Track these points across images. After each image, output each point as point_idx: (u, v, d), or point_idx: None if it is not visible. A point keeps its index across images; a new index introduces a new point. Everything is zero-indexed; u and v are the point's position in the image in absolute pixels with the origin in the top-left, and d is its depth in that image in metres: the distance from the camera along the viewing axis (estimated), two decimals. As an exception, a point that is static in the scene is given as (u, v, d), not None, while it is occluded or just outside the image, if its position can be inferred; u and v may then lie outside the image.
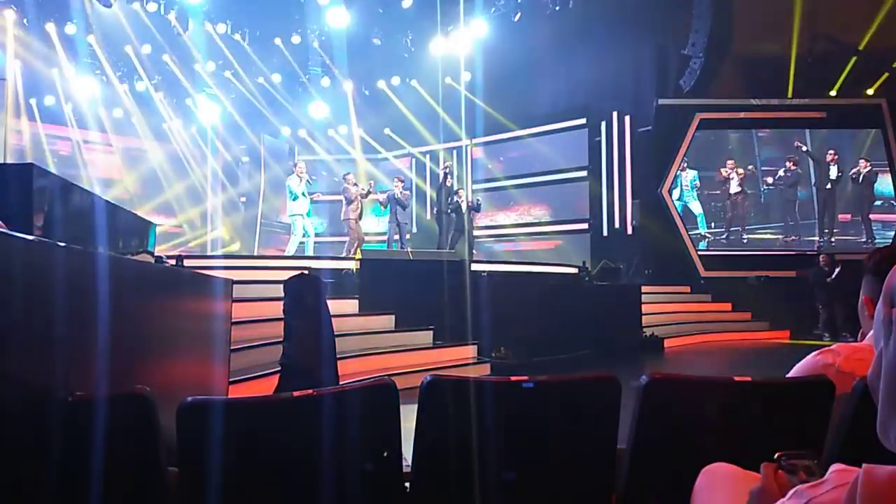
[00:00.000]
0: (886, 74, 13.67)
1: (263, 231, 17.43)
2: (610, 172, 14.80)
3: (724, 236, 14.17)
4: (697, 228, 14.16)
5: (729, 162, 14.11)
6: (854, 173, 13.72)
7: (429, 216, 16.52)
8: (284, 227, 16.63)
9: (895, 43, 13.26)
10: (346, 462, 1.77)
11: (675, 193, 14.12)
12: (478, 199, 13.34)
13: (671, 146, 14.02)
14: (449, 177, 12.77)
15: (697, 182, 14.19)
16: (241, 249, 16.81)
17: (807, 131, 14.05)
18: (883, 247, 2.01)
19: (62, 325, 2.15)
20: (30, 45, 13.92)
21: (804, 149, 13.88)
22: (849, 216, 13.94)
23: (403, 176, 14.12)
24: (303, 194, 11.39)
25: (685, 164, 14.11)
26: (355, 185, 11.84)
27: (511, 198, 16.71)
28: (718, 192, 14.20)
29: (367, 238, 12.83)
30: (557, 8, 14.50)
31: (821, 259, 12.36)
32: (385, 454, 1.74)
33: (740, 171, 14.05)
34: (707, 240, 14.16)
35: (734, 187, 14.05)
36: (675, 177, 14.13)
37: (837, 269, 11.74)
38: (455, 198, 12.39)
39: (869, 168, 13.68)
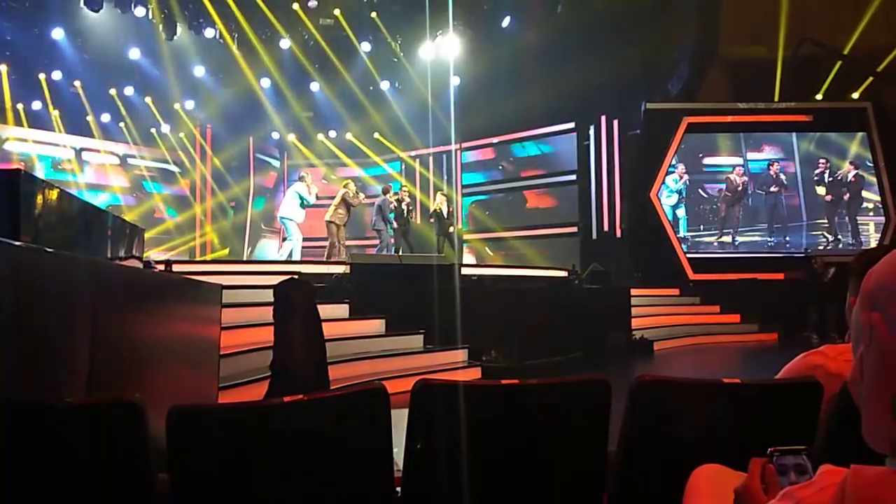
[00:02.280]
0: (872, 78, 13.81)
1: (253, 236, 17.41)
2: (599, 176, 14.87)
3: (717, 239, 14.23)
4: (679, 232, 14.23)
5: (738, 168, 14.23)
6: (840, 176, 13.86)
7: (418, 220, 16.56)
8: (274, 231, 16.62)
9: (880, 46, 13.39)
10: (337, 467, 1.76)
11: (673, 199, 14.18)
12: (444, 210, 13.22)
13: (659, 150, 14.09)
14: (402, 203, 12.84)
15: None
16: (230, 254, 16.75)
17: (794, 135, 14.18)
18: (869, 249, 2.03)
19: (50, 332, 2.14)
20: (17, 48, 13.83)
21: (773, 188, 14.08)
22: (835, 219, 14.07)
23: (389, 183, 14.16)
24: (302, 205, 11.47)
25: (684, 169, 14.19)
26: (356, 194, 11.93)
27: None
28: (719, 195, 14.32)
29: (355, 244, 12.89)
30: (545, 13, 14.58)
31: (815, 261, 12.31)
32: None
33: (745, 177, 14.18)
34: (687, 243, 14.21)
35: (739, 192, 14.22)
36: (667, 180, 14.21)
37: (832, 270, 11.75)
38: (403, 206, 12.55)
39: (854, 172, 13.83)
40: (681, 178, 14.17)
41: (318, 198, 11.84)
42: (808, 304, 12.08)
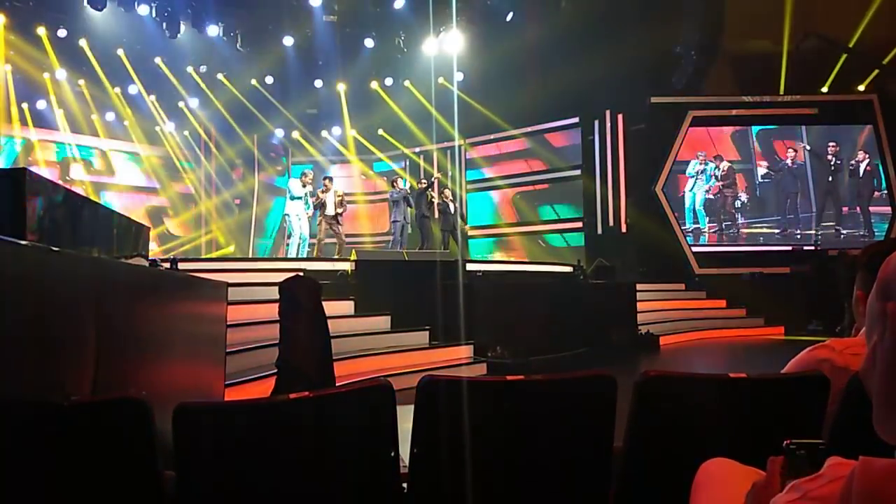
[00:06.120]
0: (877, 70, 13.73)
1: (258, 233, 17.46)
2: (604, 170, 14.84)
3: (730, 230, 14.19)
4: (697, 223, 14.21)
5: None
6: (852, 165, 13.78)
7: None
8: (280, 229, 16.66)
9: (886, 38, 13.31)
10: (343, 464, 1.76)
11: (691, 183, 14.16)
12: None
13: (664, 144, 14.06)
14: (431, 188, 12.85)
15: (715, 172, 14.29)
16: (235, 252, 16.79)
17: (803, 127, 14.12)
18: (876, 242, 2.02)
19: (57, 331, 2.15)
20: (20, 48, 13.84)
21: (807, 148, 13.97)
22: (846, 209, 14.00)
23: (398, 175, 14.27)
24: (301, 197, 11.54)
25: (703, 156, 14.17)
26: (338, 194, 12.07)
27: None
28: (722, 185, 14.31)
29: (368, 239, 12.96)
30: (549, 7, 14.55)
31: (843, 257, 12.07)
32: (392, 454, 1.74)
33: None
34: (705, 234, 14.19)
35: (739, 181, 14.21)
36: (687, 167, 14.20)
37: None
38: (433, 197, 12.58)
39: (868, 161, 13.75)
40: (701, 162, 14.15)
41: (310, 196, 11.93)
42: (843, 302, 11.81)
